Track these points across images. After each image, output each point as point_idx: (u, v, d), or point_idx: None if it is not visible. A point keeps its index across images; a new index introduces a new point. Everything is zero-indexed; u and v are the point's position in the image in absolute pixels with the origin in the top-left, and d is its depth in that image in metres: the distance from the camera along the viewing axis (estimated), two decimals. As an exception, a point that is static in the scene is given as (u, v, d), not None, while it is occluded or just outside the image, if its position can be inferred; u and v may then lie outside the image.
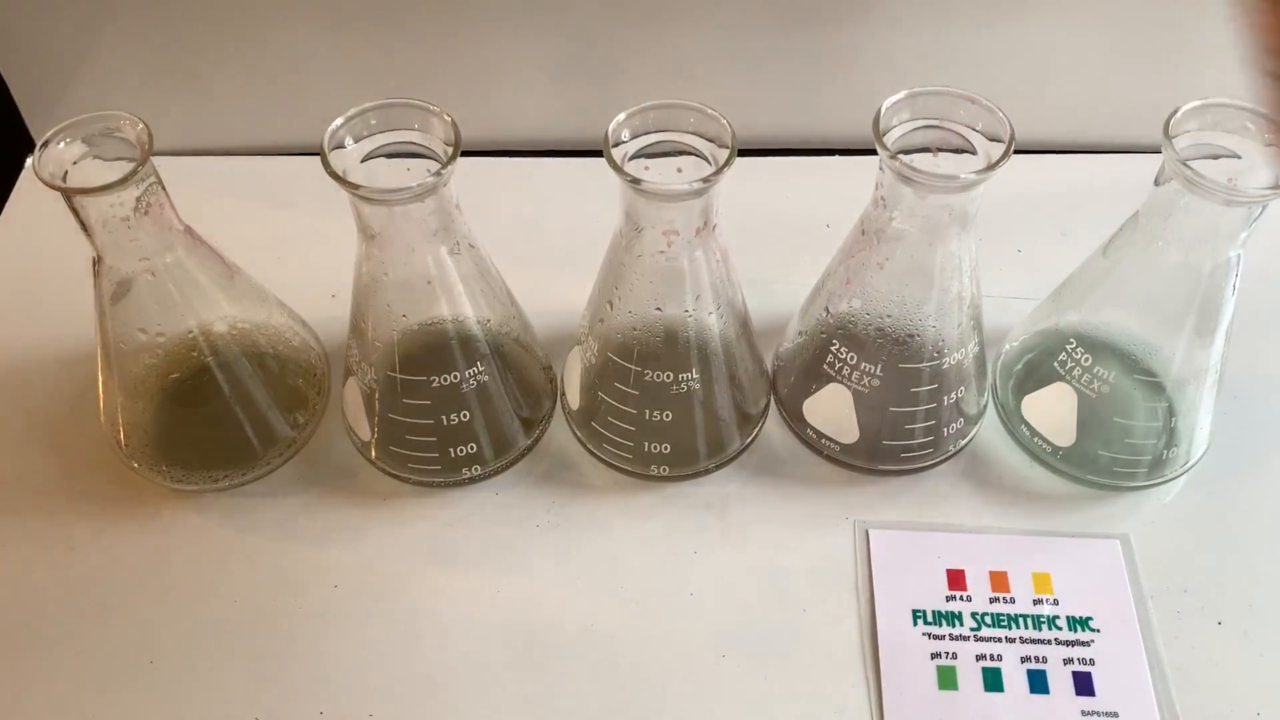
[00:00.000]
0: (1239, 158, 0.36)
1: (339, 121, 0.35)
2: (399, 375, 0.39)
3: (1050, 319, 0.43)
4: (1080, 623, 0.39)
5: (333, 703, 0.38)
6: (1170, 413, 0.41)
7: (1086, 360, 0.40)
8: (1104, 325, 0.40)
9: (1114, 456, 0.41)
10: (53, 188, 0.34)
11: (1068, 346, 0.41)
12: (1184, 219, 0.36)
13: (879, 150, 0.35)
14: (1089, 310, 0.41)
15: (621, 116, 0.35)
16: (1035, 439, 0.43)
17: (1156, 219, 0.37)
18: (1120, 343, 0.40)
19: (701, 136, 0.35)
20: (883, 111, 0.35)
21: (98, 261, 0.37)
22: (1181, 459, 0.42)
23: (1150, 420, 0.41)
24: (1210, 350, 0.39)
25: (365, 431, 0.42)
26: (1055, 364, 0.41)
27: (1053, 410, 0.42)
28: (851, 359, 0.40)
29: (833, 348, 0.41)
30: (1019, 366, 0.44)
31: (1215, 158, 0.36)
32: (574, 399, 0.43)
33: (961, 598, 0.40)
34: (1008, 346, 0.45)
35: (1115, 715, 0.37)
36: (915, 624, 0.39)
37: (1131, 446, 0.41)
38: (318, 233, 0.52)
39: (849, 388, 0.41)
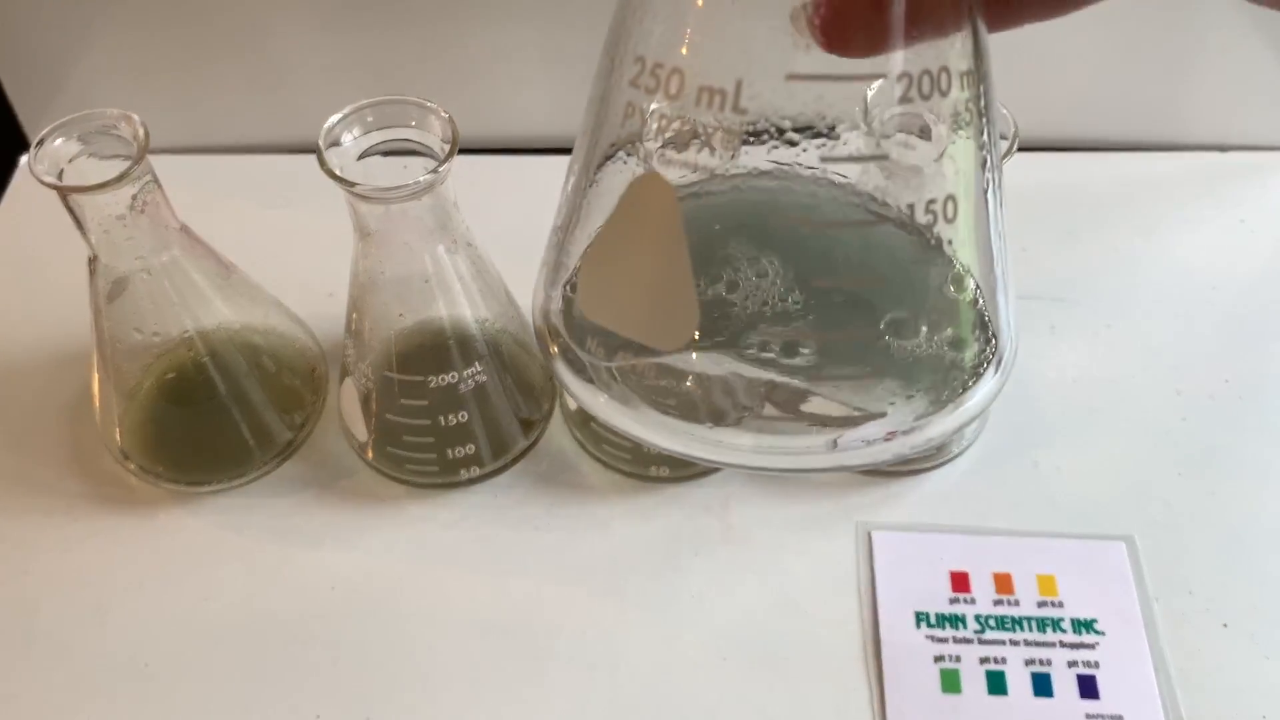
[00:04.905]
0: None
1: (335, 118, 0.35)
2: (396, 375, 0.39)
3: None
4: (1085, 625, 0.39)
5: (329, 706, 0.38)
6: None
7: None
8: None
9: None
10: (48, 186, 0.34)
11: None
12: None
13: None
14: None
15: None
16: None
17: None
18: None
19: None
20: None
21: (93, 260, 0.37)
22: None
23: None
24: None
25: (362, 432, 0.42)
26: None
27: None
28: (854, 359, 0.40)
29: (835, 347, 0.40)
30: None
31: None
32: (573, 400, 0.43)
33: (965, 600, 0.39)
34: None
35: (1120, 718, 0.37)
36: (918, 626, 0.39)
37: None
38: (314, 231, 0.52)
39: (851, 388, 0.41)
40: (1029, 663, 0.38)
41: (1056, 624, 0.39)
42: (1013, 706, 0.37)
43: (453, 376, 0.39)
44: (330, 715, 0.37)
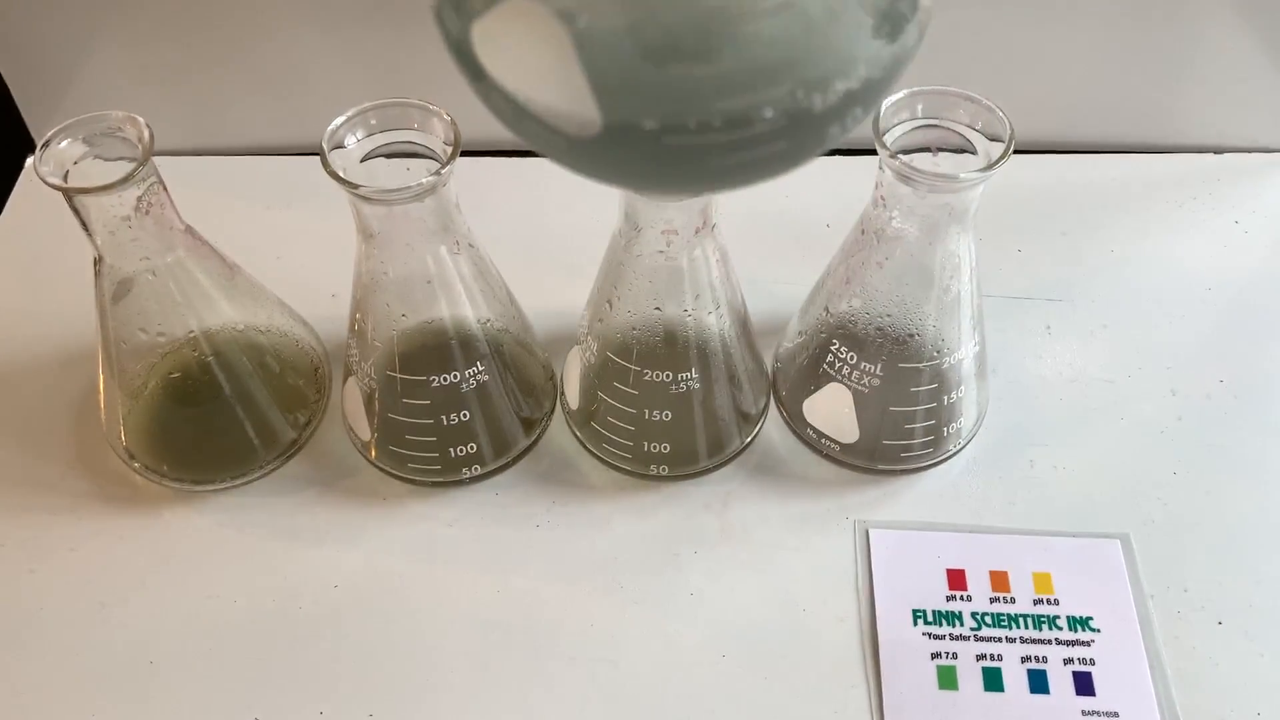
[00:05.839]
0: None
1: (339, 121, 0.35)
2: (398, 375, 0.39)
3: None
4: (1081, 622, 0.39)
5: (332, 702, 0.38)
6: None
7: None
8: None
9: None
10: (54, 187, 0.34)
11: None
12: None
13: (879, 150, 0.35)
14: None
15: None
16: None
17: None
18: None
19: None
20: (883, 111, 0.35)
21: (99, 261, 0.37)
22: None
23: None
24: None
25: (365, 431, 0.42)
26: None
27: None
28: (851, 358, 0.40)
29: (833, 347, 0.41)
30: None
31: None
32: (573, 399, 0.43)
33: (962, 597, 0.40)
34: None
35: (1115, 715, 0.37)
36: (915, 624, 0.39)
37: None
38: (318, 232, 0.52)
39: (849, 387, 0.41)
40: (1025, 660, 0.38)
41: (1052, 621, 0.39)
42: (1009, 703, 0.37)
43: (454, 376, 0.39)
44: (333, 712, 0.38)
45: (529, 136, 0.24)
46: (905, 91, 0.35)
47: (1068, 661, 0.38)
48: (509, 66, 0.22)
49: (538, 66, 0.22)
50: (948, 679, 0.38)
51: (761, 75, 0.21)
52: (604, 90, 0.21)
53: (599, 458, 0.43)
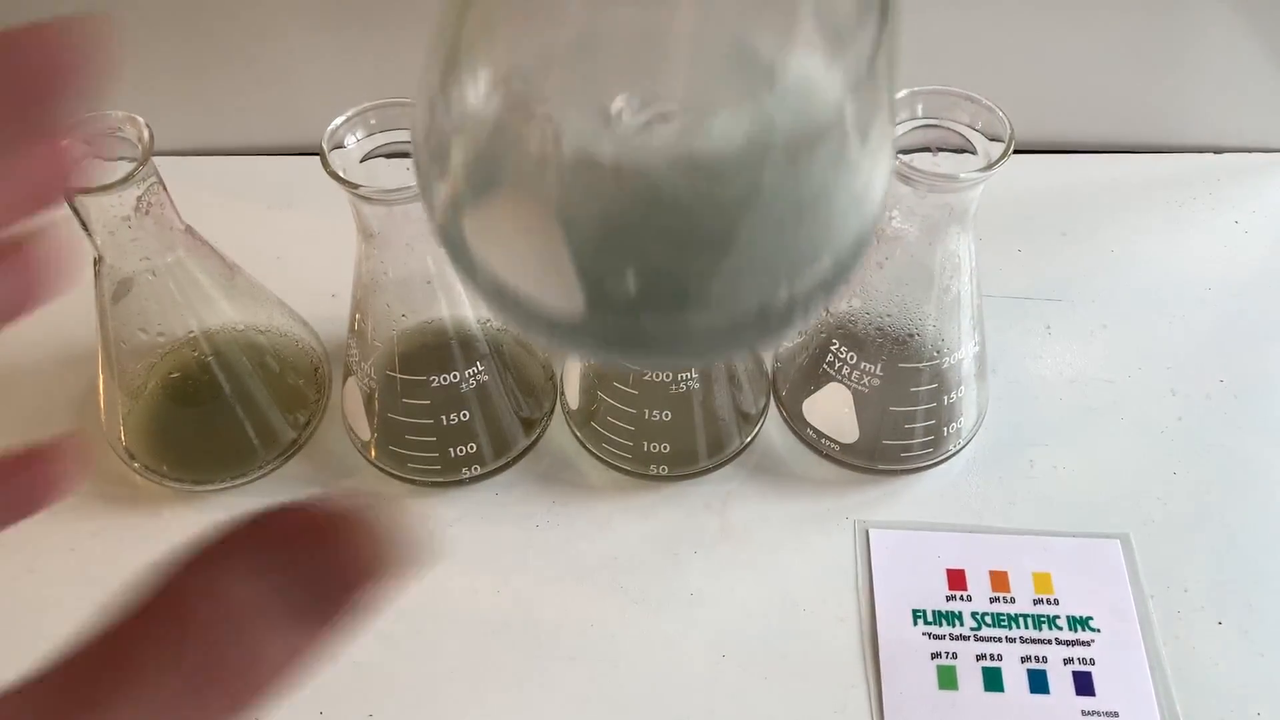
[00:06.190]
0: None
1: (339, 121, 0.35)
2: (398, 375, 0.39)
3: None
4: (1080, 622, 0.39)
5: (332, 703, 0.38)
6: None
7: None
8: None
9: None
10: (53, 187, 0.34)
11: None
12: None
13: (878, 149, 0.35)
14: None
15: None
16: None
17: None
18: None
19: None
20: (882, 111, 0.35)
21: (98, 261, 0.37)
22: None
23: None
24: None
25: (365, 431, 0.42)
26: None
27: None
28: (851, 358, 0.40)
29: (833, 347, 0.41)
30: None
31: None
32: (573, 399, 0.43)
33: (962, 597, 0.40)
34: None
35: (1115, 715, 0.37)
36: (915, 624, 0.39)
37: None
38: (318, 232, 0.52)
39: (849, 387, 0.41)
40: (1025, 660, 0.38)
41: (1052, 621, 0.39)
42: (1009, 703, 0.37)
43: (454, 376, 0.39)
44: (333, 712, 0.38)
45: (511, 318, 0.24)
46: (905, 91, 0.35)
47: (1068, 661, 0.38)
48: (495, 254, 0.23)
49: (523, 257, 0.22)
50: (948, 679, 0.38)
51: (746, 273, 0.21)
52: (589, 285, 0.22)
53: (599, 458, 0.43)
